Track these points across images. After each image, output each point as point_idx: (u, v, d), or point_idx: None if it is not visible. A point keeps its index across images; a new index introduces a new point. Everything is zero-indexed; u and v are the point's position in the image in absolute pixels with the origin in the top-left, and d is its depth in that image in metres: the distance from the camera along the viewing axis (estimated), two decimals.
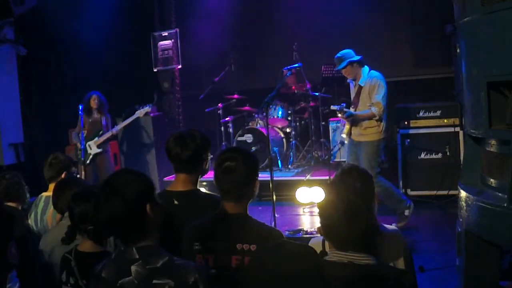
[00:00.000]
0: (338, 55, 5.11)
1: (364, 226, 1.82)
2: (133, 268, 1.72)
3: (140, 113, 6.59)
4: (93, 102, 6.39)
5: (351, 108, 5.21)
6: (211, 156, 2.76)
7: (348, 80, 5.34)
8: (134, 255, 1.74)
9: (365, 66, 5.11)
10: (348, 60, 5.03)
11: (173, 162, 2.65)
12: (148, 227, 1.80)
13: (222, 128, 7.72)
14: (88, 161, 6.33)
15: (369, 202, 1.93)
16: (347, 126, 5.23)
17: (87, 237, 2.30)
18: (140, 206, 1.79)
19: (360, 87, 5.10)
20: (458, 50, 3.13)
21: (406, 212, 5.06)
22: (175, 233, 2.28)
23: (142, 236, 1.78)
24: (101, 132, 6.39)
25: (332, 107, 5.20)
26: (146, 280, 1.70)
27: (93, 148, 6.36)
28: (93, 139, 6.37)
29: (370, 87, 5.00)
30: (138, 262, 1.73)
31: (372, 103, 4.95)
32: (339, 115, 5.18)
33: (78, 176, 5.45)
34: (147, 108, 6.65)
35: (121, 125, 6.62)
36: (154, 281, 1.70)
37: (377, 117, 4.95)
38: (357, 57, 5.05)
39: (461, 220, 2.88)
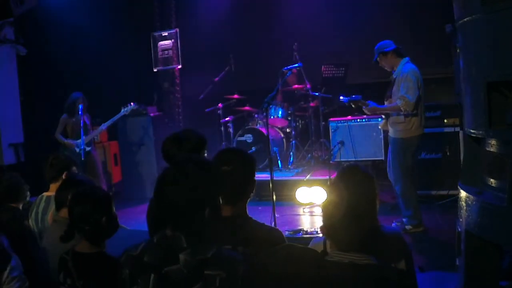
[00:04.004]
0: (375, 47, 4.96)
1: (366, 227, 1.82)
2: (181, 256, 1.67)
3: (125, 111, 6.59)
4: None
5: (385, 101, 4.99)
6: (206, 154, 2.76)
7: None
8: (182, 243, 1.69)
9: (405, 57, 4.85)
10: (379, 52, 4.87)
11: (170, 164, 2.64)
12: (204, 213, 1.75)
13: (222, 128, 7.72)
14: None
15: (371, 203, 1.93)
16: (384, 120, 5.08)
17: (84, 237, 2.30)
18: (208, 191, 1.75)
19: (394, 79, 4.87)
20: (458, 50, 3.12)
21: (408, 227, 4.84)
22: None
23: (194, 221, 1.73)
24: (89, 131, 6.39)
25: (340, 98, 5.06)
26: (196, 270, 1.66)
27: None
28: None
29: (399, 80, 4.76)
30: (187, 250, 1.68)
31: (399, 97, 4.73)
32: (353, 106, 5.01)
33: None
34: (132, 106, 6.65)
35: (108, 123, 6.60)
36: (206, 272, 1.65)
37: (403, 111, 4.71)
38: (390, 48, 4.84)
39: (461, 220, 2.87)
